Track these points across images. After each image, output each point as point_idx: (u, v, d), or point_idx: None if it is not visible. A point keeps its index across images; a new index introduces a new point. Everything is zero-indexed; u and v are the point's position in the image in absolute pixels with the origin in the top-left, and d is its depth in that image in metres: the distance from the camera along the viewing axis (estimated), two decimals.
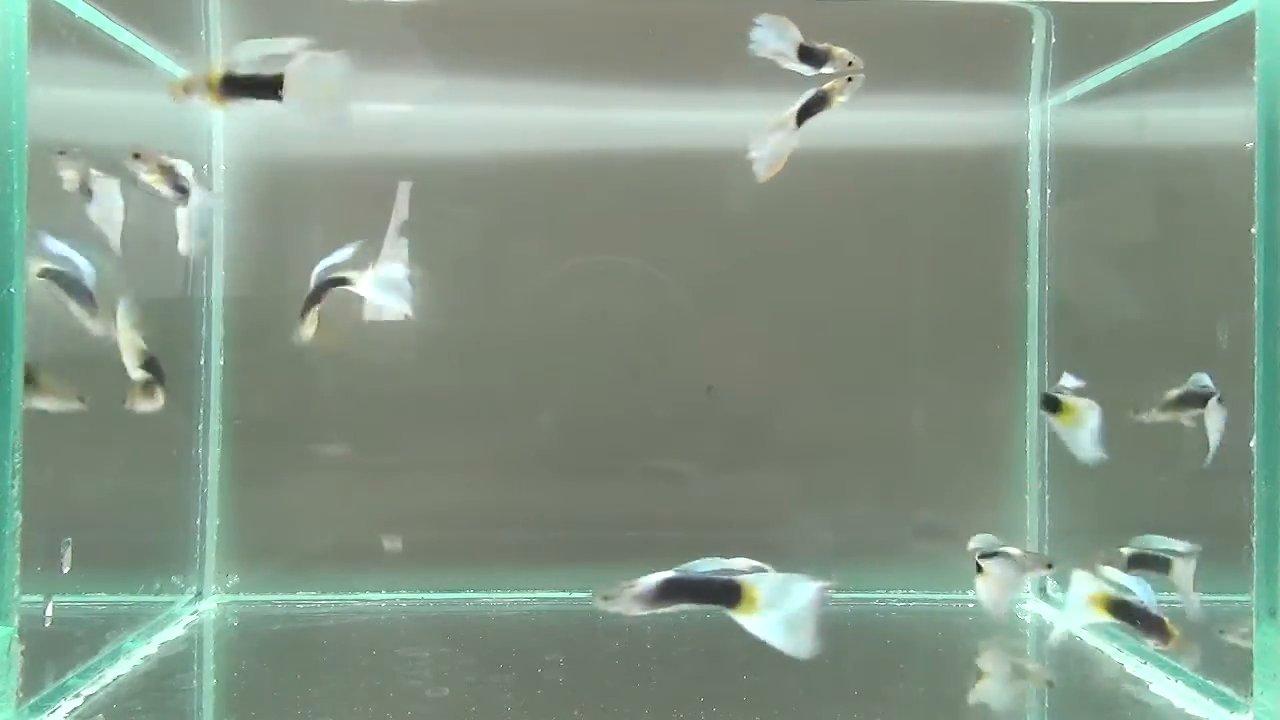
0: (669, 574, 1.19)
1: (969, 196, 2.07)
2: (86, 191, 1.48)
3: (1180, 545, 1.45)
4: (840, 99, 1.52)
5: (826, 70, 1.52)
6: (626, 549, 2.03)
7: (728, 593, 1.17)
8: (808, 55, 1.50)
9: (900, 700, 1.54)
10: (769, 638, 1.16)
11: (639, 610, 1.18)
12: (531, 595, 2.00)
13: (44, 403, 1.34)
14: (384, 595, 1.99)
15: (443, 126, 2.03)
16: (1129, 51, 1.78)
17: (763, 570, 1.17)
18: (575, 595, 1.98)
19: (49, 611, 1.42)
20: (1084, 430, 1.54)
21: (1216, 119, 1.61)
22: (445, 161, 2.03)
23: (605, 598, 1.17)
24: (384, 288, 1.57)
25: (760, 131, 1.53)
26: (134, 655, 1.65)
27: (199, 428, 1.96)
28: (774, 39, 1.49)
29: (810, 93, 1.52)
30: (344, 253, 1.57)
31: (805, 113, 1.53)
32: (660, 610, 1.19)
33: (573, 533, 2.04)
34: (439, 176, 2.02)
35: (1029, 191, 2.06)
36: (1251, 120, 1.35)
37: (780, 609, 1.15)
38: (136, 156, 1.51)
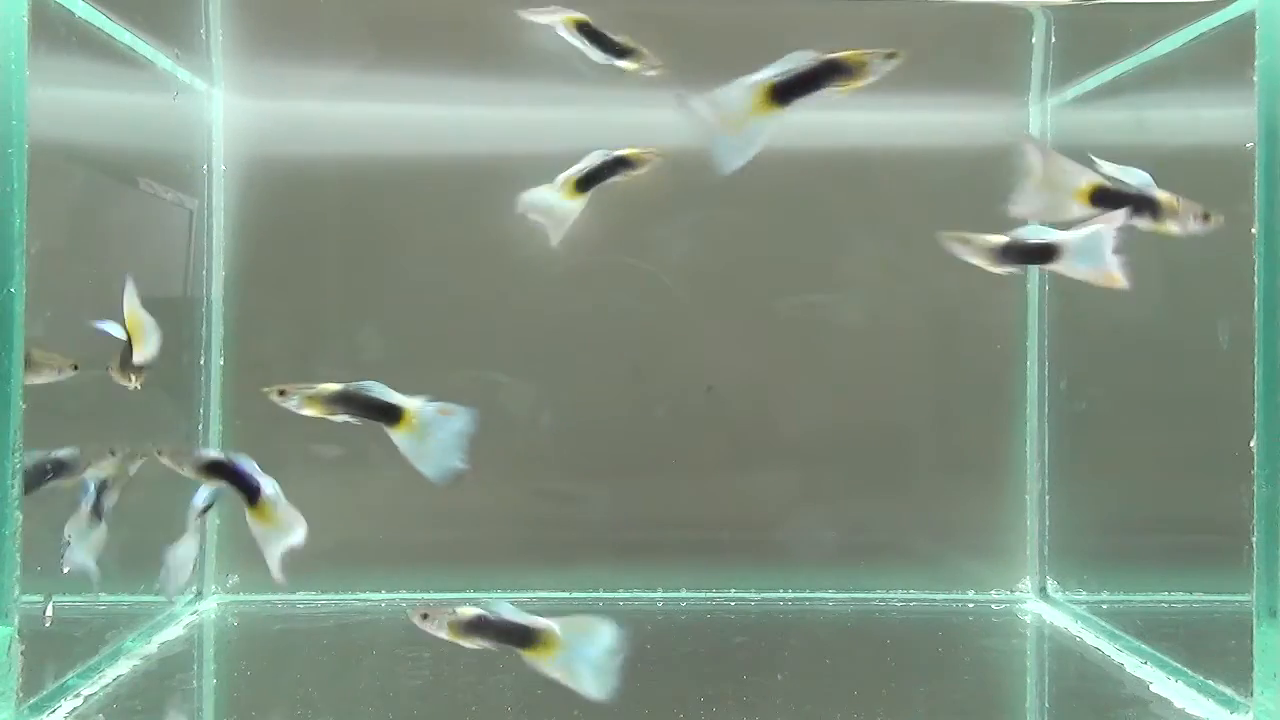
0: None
1: (969, 196, 2.07)
2: None
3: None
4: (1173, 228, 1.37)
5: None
6: (627, 549, 2.04)
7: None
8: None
9: (900, 700, 1.54)
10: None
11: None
12: (531, 595, 1.99)
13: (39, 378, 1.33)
14: (384, 595, 1.99)
15: (442, 126, 2.03)
16: (1129, 51, 1.78)
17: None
18: (575, 595, 1.98)
19: (49, 611, 1.42)
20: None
21: (1216, 119, 1.61)
22: (444, 161, 2.03)
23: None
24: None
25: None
26: (134, 655, 1.65)
27: (199, 427, 1.96)
28: None
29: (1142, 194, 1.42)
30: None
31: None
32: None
33: (573, 533, 2.04)
34: (438, 176, 2.02)
35: None
36: (1251, 120, 1.36)
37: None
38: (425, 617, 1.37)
